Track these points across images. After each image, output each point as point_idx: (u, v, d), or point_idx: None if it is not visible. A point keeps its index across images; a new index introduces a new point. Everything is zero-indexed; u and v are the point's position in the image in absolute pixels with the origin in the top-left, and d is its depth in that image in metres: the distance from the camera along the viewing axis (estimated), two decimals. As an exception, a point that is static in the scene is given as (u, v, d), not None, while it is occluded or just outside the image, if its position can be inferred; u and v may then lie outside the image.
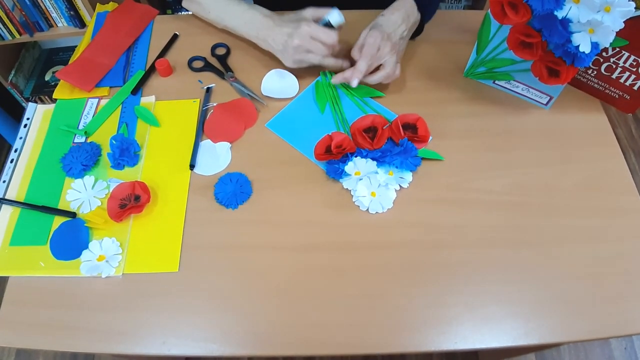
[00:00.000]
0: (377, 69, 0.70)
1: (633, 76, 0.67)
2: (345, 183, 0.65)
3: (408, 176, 0.65)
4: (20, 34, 1.40)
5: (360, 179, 0.64)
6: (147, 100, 0.75)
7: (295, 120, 0.72)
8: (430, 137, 0.69)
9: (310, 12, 0.72)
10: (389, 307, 0.56)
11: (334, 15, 0.70)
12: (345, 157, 0.65)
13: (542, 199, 0.64)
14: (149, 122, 0.72)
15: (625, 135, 1.64)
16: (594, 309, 0.56)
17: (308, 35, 0.67)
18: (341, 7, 0.71)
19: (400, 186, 0.65)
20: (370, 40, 0.67)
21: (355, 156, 0.66)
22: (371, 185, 0.64)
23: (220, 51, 0.80)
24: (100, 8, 0.87)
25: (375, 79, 0.71)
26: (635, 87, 0.68)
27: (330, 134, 0.66)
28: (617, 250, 0.60)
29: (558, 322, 0.55)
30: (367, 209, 0.63)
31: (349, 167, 0.64)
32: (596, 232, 0.62)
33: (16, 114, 1.53)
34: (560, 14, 0.57)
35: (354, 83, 0.68)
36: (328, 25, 0.70)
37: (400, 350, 0.54)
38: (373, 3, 0.82)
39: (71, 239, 0.61)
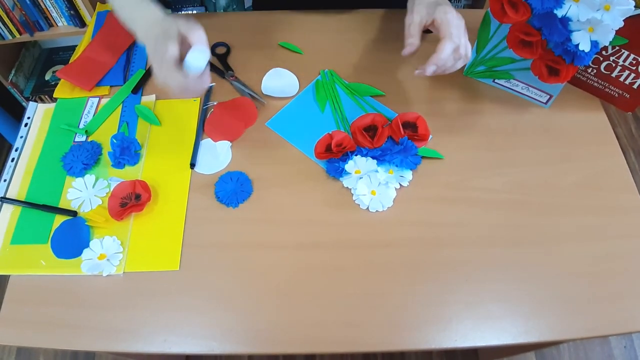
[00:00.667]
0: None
1: (633, 75, 0.67)
2: (346, 182, 0.65)
3: (408, 175, 0.65)
4: (20, 34, 1.40)
5: (361, 178, 0.64)
6: (147, 99, 0.75)
7: (296, 119, 0.72)
8: (431, 136, 0.69)
9: (181, 26, 0.55)
10: (389, 306, 0.56)
11: (192, 60, 0.53)
12: (346, 156, 0.66)
13: (542, 197, 0.64)
14: (150, 121, 0.72)
15: (625, 134, 1.64)
16: (593, 307, 0.56)
17: (164, 64, 0.54)
18: (343, 7, 0.65)
19: (400, 185, 0.65)
20: (455, 22, 0.58)
21: (356, 155, 0.66)
22: (371, 183, 0.64)
23: (221, 50, 0.81)
24: (100, 7, 0.87)
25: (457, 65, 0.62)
26: (635, 86, 0.68)
27: (330, 132, 0.66)
28: (616, 249, 0.60)
29: (558, 320, 0.55)
30: (368, 208, 0.63)
31: (349, 166, 0.64)
32: (596, 230, 0.62)
33: (16, 114, 1.53)
34: (560, 13, 0.57)
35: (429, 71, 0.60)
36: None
37: (400, 348, 0.55)
38: (375, 3, 0.82)
39: (72, 237, 0.61)
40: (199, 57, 0.53)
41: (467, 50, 0.60)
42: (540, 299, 0.57)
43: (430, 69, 0.60)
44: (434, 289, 0.57)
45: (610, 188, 0.65)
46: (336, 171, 0.65)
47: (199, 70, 0.54)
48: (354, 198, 0.64)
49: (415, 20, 0.62)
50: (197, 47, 0.54)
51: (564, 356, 1.23)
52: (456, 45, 0.59)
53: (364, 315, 0.56)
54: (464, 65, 0.75)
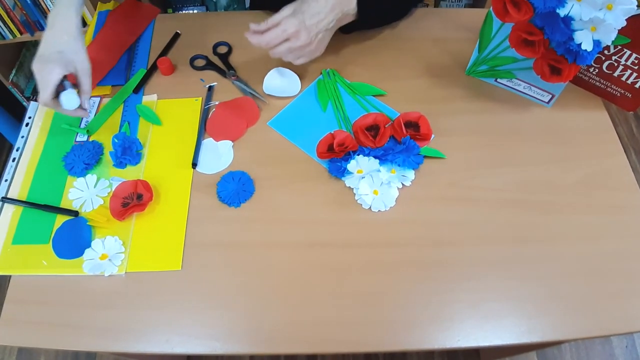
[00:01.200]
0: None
1: (635, 74, 0.67)
2: (348, 181, 0.65)
3: (410, 174, 0.65)
4: (21, 33, 1.40)
5: (363, 177, 0.64)
6: (149, 98, 0.75)
7: (297, 118, 0.72)
8: (433, 135, 0.69)
9: (78, 64, 0.64)
10: (391, 305, 0.56)
11: (64, 99, 0.63)
12: (348, 156, 0.66)
13: (545, 196, 0.64)
14: (151, 120, 0.72)
15: (626, 133, 1.64)
16: (596, 306, 0.56)
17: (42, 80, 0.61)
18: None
19: (402, 184, 0.65)
20: (283, 28, 0.63)
21: (358, 154, 0.66)
22: (373, 183, 0.64)
23: (222, 50, 0.80)
24: (101, 7, 0.87)
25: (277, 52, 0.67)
26: (637, 85, 0.68)
27: (332, 132, 0.66)
28: (619, 247, 0.60)
29: (560, 319, 0.55)
30: (370, 207, 0.63)
31: (352, 165, 0.64)
32: (598, 229, 0.62)
33: (17, 114, 1.53)
34: (562, 12, 0.57)
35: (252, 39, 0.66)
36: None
37: (402, 348, 0.54)
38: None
39: (74, 237, 0.61)
40: (72, 98, 0.63)
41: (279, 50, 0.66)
42: (543, 298, 0.57)
43: (252, 38, 0.66)
44: (436, 289, 0.57)
45: (613, 187, 0.65)
46: (338, 171, 0.65)
47: (72, 109, 0.64)
48: (356, 198, 0.64)
49: (280, 15, 0.66)
50: (70, 91, 0.63)
51: (566, 356, 1.23)
52: (267, 41, 0.65)
53: (366, 315, 0.56)
54: (466, 65, 0.75)
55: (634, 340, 1.26)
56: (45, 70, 0.61)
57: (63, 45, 0.63)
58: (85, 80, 0.65)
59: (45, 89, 0.61)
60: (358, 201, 0.64)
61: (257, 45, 0.66)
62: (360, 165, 0.64)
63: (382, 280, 0.58)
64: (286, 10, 0.65)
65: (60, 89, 0.63)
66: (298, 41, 0.65)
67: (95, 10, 0.88)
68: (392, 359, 1.24)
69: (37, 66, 0.62)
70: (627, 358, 1.23)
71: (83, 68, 0.64)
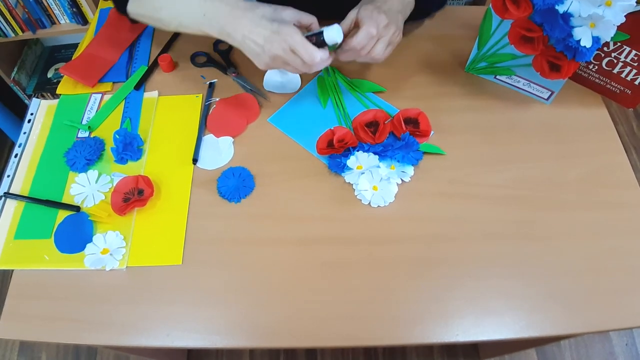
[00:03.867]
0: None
1: (634, 71, 0.67)
2: (347, 177, 0.65)
3: (410, 170, 0.66)
4: (23, 31, 1.40)
5: (362, 173, 0.65)
6: (150, 95, 0.75)
7: (298, 115, 0.72)
8: (432, 132, 0.69)
9: (290, 13, 0.60)
10: (390, 300, 0.57)
11: (332, 32, 0.58)
12: (347, 152, 0.66)
13: (543, 192, 0.64)
14: (152, 117, 0.72)
15: (626, 132, 1.64)
16: (594, 302, 0.56)
17: (289, 47, 0.57)
18: (338, 12, 0.64)
19: (402, 180, 0.65)
20: (370, 29, 0.60)
21: (357, 150, 0.66)
22: (373, 179, 0.64)
23: (223, 46, 0.81)
24: (102, 4, 0.87)
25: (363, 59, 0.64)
26: (637, 82, 0.68)
27: (332, 128, 0.66)
28: (618, 244, 0.60)
29: (559, 315, 0.56)
30: (369, 203, 0.63)
31: (351, 161, 0.64)
32: (598, 225, 0.62)
33: (19, 111, 1.54)
34: (561, 8, 0.57)
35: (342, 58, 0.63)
36: (319, 40, 0.59)
37: (402, 342, 0.55)
38: None
39: (75, 232, 0.62)
40: (337, 29, 0.59)
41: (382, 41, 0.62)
42: (542, 294, 0.57)
43: (343, 56, 0.63)
44: (435, 284, 0.58)
45: (612, 184, 0.65)
46: (338, 166, 0.65)
47: (338, 40, 0.59)
48: (355, 193, 0.64)
49: (352, 13, 0.63)
50: (331, 26, 0.59)
51: (565, 354, 1.23)
52: (370, 33, 0.60)
53: (365, 310, 0.56)
54: (466, 62, 0.76)
55: (634, 339, 1.26)
56: (287, 40, 0.57)
57: (274, 9, 0.59)
58: (309, 18, 0.61)
59: (307, 46, 0.57)
60: (357, 197, 0.64)
61: (353, 58, 0.63)
62: (360, 161, 0.65)
63: (381, 275, 0.58)
64: (353, 13, 0.62)
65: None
66: (389, 31, 0.62)
67: (96, 7, 0.88)
68: (392, 355, 1.24)
69: (273, 47, 0.57)
70: (627, 356, 1.23)
71: (300, 14, 0.60)
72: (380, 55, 0.63)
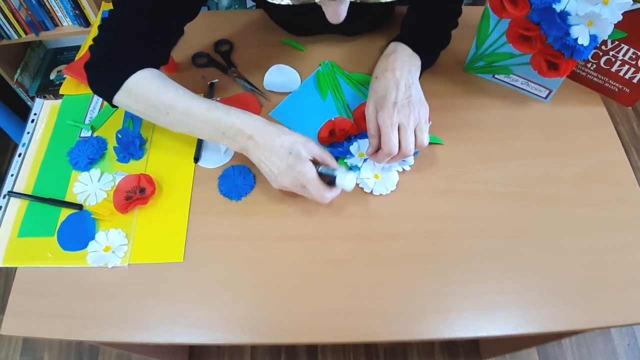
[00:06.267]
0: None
1: (632, 69, 0.67)
2: (350, 162, 0.66)
3: (410, 159, 0.67)
4: (26, 33, 1.42)
5: (365, 160, 0.66)
6: (151, 95, 0.76)
7: (298, 108, 0.73)
8: (430, 122, 0.69)
9: (310, 148, 0.58)
10: (391, 296, 0.57)
11: (344, 181, 0.58)
12: (349, 140, 0.67)
13: (542, 190, 0.65)
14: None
15: (627, 132, 1.64)
16: (595, 298, 0.57)
17: (300, 184, 0.57)
18: (348, 28, 0.63)
19: (402, 169, 0.66)
20: (389, 126, 0.59)
21: (359, 139, 0.67)
22: (374, 167, 0.65)
23: (224, 47, 0.81)
24: (105, 7, 0.88)
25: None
26: (635, 80, 0.68)
27: (332, 119, 0.67)
28: (616, 241, 0.61)
29: (558, 311, 0.56)
30: (372, 191, 0.64)
31: (354, 147, 0.66)
32: (596, 222, 0.62)
33: (22, 113, 1.55)
34: (558, 7, 0.58)
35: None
36: (332, 177, 0.59)
37: (401, 337, 0.55)
38: (382, 22, 0.82)
39: (78, 230, 0.62)
40: (351, 178, 0.59)
41: (405, 146, 0.60)
42: (541, 290, 0.57)
43: (378, 158, 0.63)
44: (434, 280, 0.58)
45: (610, 181, 0.66)
46: (340, 152, 0.66)
47: (350, 187, 0.59)
48: (357, 181, 0.65)
49: (370, 116, 0.63)
50: (343, 170, 0.59)
51: (567, 353, 1.23)
52: (388, 153, 0.60)
53: (365, 305, 0.57)
54: (464, 61, 0.76)
55: (636, 339, 1.26)
56: (298, 178, 0.57)
57: (293, 143, 0.58)
58: (330, 159, 0.60)
59: (318, 186, 0.57)
60: (360, 185, 0.64)
61: (387, 161, 0.62)
62: (362, 148, 0.66)
63: (381, 271, 0.59)
64: (371, 109, 0.63)
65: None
66: (407, 118, 0.60)
67: (99, 9, 0.89)
68: (393, 353, 1.24)
69: (288, 176, 0.57)
70: (629, 355, 1.23)
71: (321, 152, 0.60)
72: (412, 145, 0.61)
